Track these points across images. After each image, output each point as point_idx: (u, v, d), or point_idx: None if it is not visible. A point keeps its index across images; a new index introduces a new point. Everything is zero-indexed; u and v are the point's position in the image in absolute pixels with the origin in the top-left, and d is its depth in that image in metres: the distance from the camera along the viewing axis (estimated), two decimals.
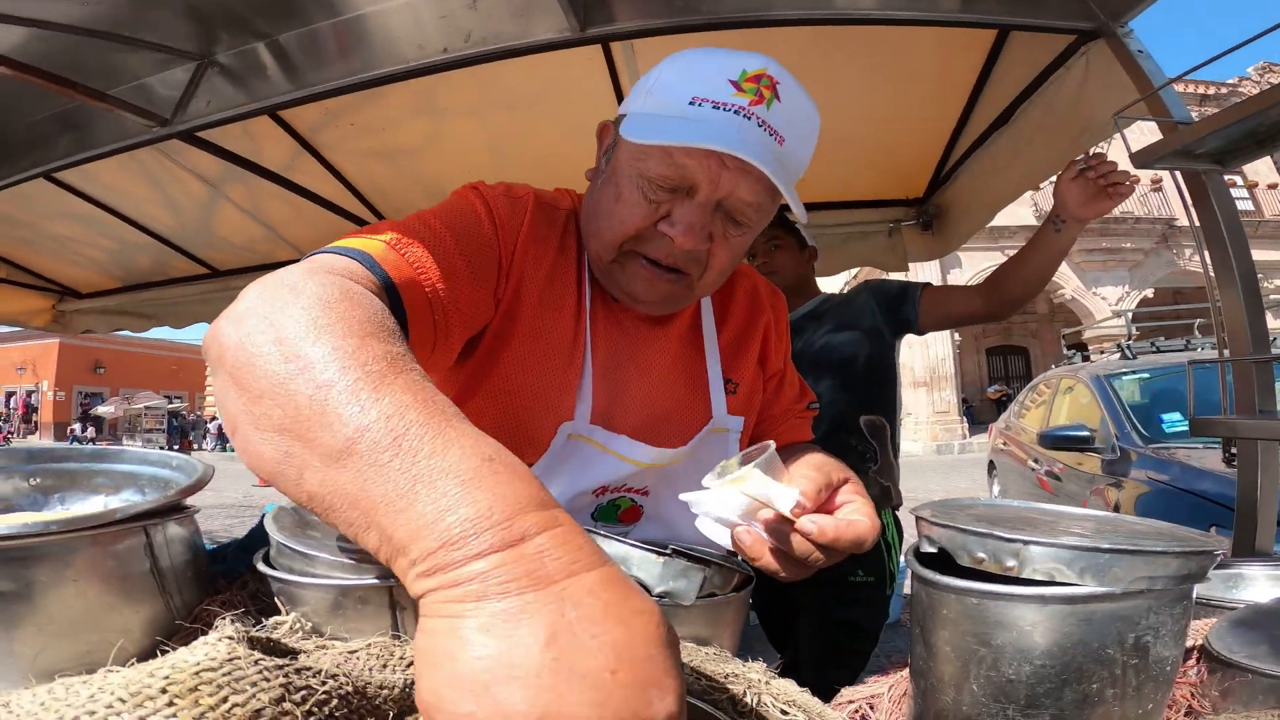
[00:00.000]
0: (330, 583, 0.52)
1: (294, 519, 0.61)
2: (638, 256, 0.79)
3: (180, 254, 2.89)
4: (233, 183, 2.25)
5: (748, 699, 0.55)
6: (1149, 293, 17.51)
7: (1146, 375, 4.21)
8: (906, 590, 3.65)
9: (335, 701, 0.38)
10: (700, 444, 0.93)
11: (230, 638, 0.37)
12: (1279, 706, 0.51)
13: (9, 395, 30.85)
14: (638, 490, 0.93)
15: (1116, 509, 3.25)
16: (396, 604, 0.52)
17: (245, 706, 0.34)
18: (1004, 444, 6.24)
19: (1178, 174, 1.44)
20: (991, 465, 6.83)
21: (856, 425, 1.87)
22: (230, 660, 0.35)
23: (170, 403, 27.79)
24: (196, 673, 0.34)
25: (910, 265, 2.67)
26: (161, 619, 0.52)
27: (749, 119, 0.72)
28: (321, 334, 0.43)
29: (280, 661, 0.37)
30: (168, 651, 0.37)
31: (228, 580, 0.63)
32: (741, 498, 0.61)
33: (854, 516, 0.64)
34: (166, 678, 0.34)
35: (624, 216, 0.77)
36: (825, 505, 0.67)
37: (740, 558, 0.72)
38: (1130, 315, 5.60)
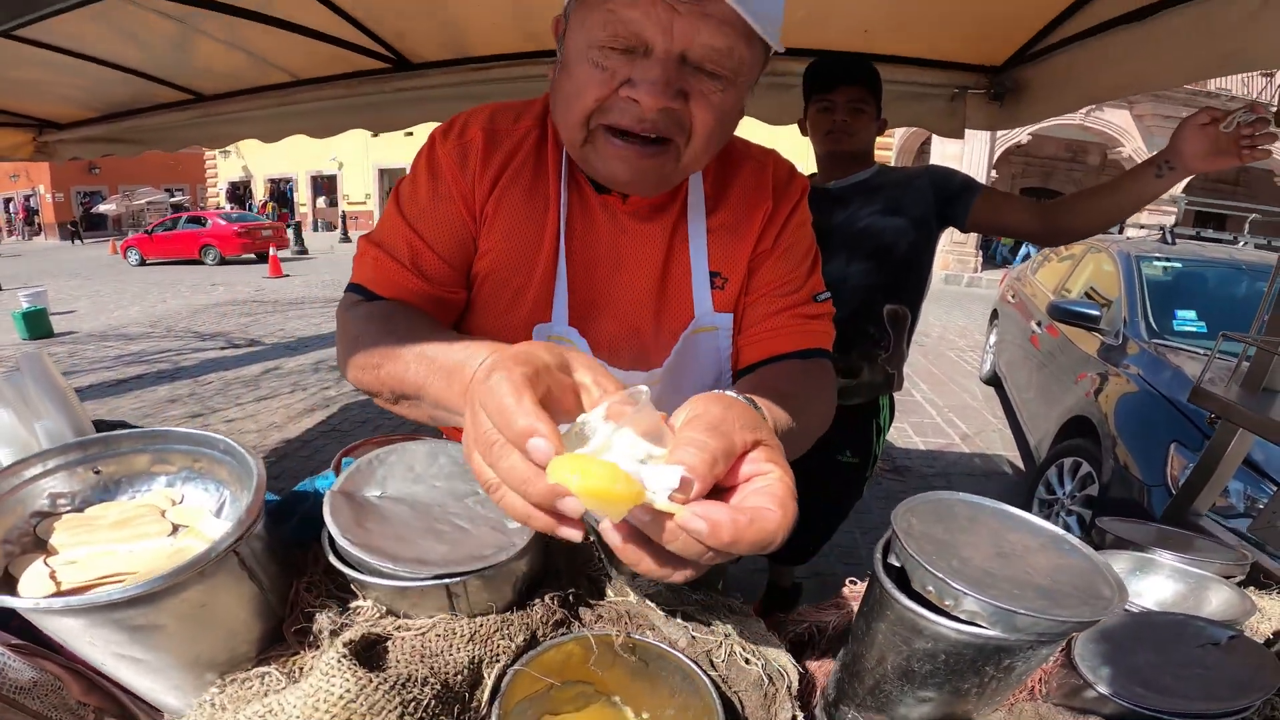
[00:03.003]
0: (397, 584, 0.61)
1: (350, 509, 0.67)
2: (608, 132, 0.75)
3: (160, 84, 2.66)
4: (203, 19, 1.98)
5: (721, 650, 0.67)
6: None
7: (1178, 265, 4.11)
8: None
9: (432, 701, 0.52)
10: (685, 348, 0.92)
11: (344, 655, 0.51)
12: (1097, 712, 0.64)
13: (7, 201, 31.13)
14: None
15: (1097, 395, 3.36)
16: (452, 594, 0.61)
17: None
18: (1012, 296, 6.24)
19: None
20: (995, 314, 6.89)
21: (879, 313, 1.88)
22: (362, 690, 0.49)
23: (172, 196, 27.69)
24: (345, 705, 0.48)
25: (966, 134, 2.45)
26: (265, 612, 0.64)
27: None
28: (369, 348, 0.72)
29: (393, 679, 0.51)
30: (285, 649, 0.59)
31: (301, 549, 0.72)
32: None
33: (761, 504, 0.44)
34: (329, 713, 0.48)
35: (579, 92, 0.74)
36: (726, 479, 0.46)
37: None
38: (1184, 201, 5.30)
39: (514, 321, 0.89)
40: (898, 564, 0.60)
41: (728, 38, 0.69)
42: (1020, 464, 4.76)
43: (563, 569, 0.70)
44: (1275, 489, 2.48)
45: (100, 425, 1.59)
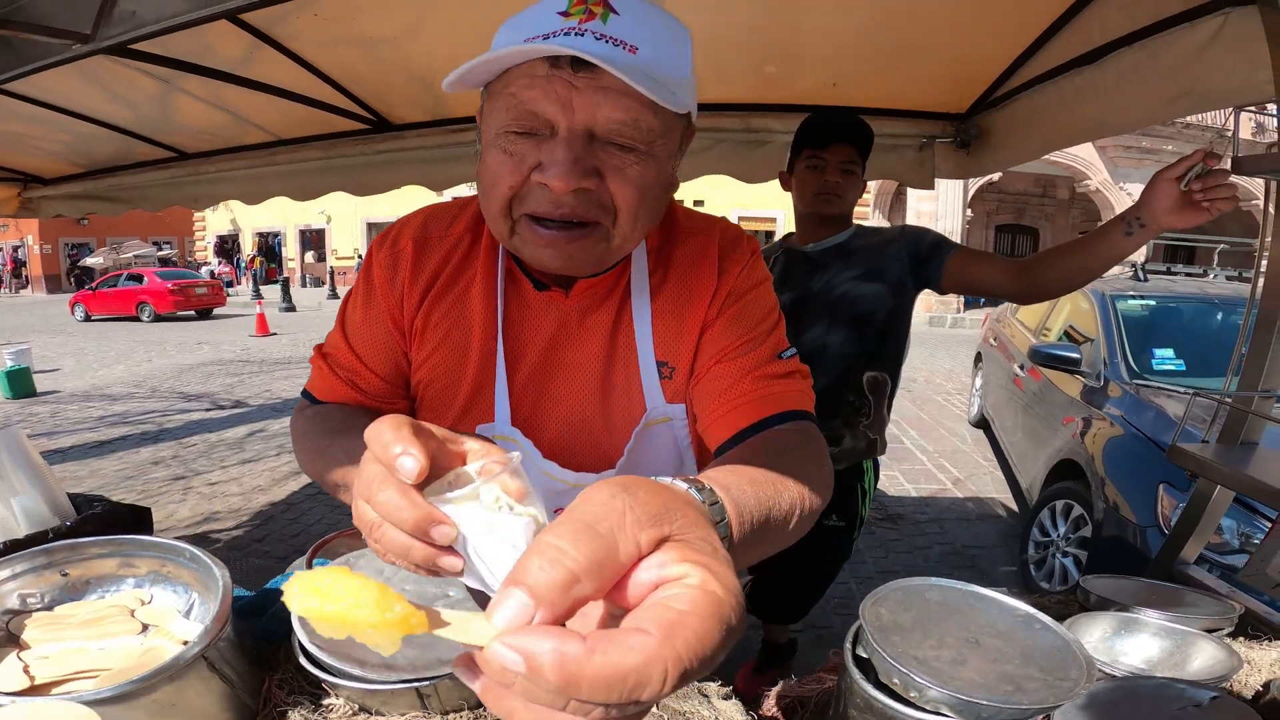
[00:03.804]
0: (371, 687, 0.63)
1: None
2: (530, 220, 0.73)
3: (142, 140, 2.72)
4: (186, 78, 2.04)
5: None
6: None
7: (1152, 302, 4.18)
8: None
9: None
10: (639, 444, 0.87)
11: None
12: None
13: None
14: None
15: (1083, 438, 3.37)
16: (423, 695, 0.62)
17: None
18: (994, 339, 6.32)
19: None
20: (979, 356, 6.95)
21: (859, 381, 1.87)
22: None
23: (160, 249, 27.64)
24: None
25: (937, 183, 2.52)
26: (237, 707, 0.65)
27: (582, 35, 0.65)
28: (311, 445, 0.81)
29: None
30: None
31: (273, 644, 0.74)
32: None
33: (635, 625, 0.30)
34: None
35: (493, 181, 0.73)
36: (617, 595, 0.33)
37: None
38: (1152, 239, 5.42)
39: (455, 423, 0.88)
40: (866, 654, 0.59)
41: (629, 110, 0.67)
42: (1014, 505, 4.74)
43: None
44: (1267, 531, 2.48)
45: (75, 498, 1.58)
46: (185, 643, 0.64)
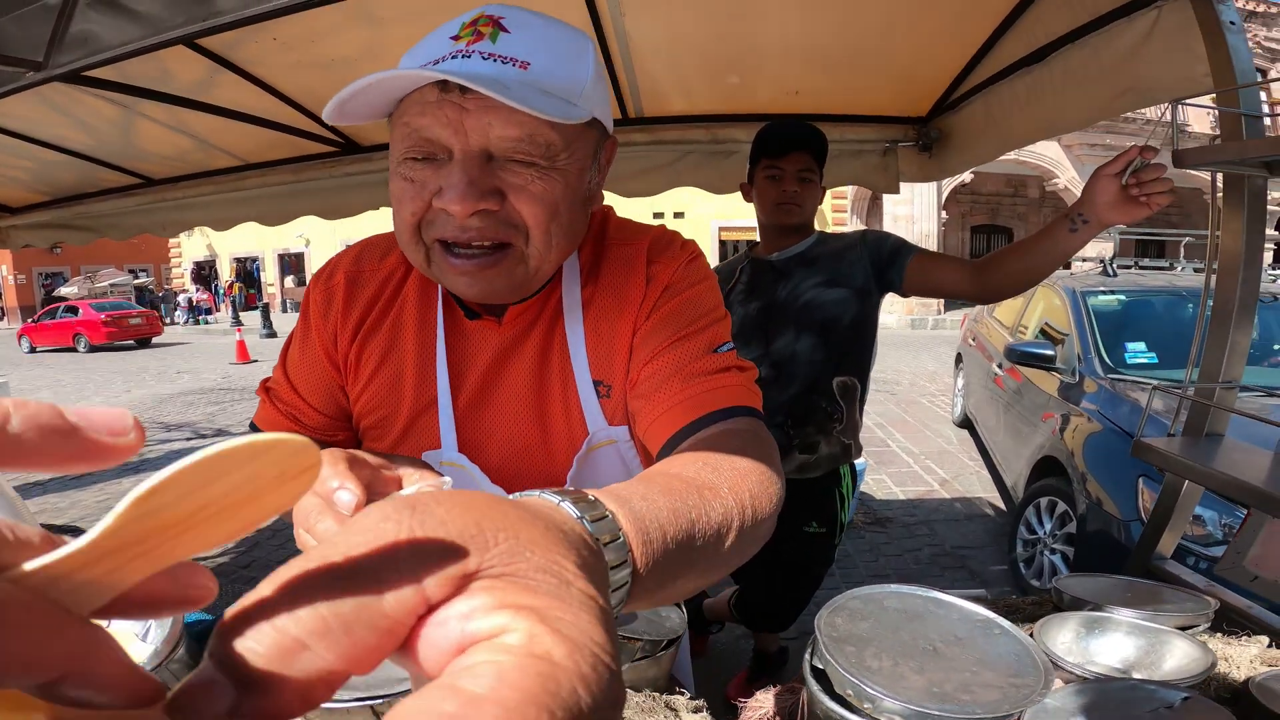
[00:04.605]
0: (326, 705, 0.63)
1: None
2: (442, 249, 0.72)
3: (106, 167, 2.68)
4: (146, 103, 2.03)
5: None
6: None
7: (1123, 297, 4.23)
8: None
9: None
10: (582, 469, 0.85)
11: None
12: None
13: None
14: None
15: (1062, 434, 3.40)
16: (377, 713, 0.62)
17: None
18: (973, 339, 6.37)
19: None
20: (959, 357, 7.01)
21: (829, 386, 1.88)
22: None
23: (136, 277, 27.45)
24: None
25: (902, 186, 2.55)
26: None
27: (469, 56, 0.66)
28: None
29: None
30: None
31: None
32: None
33: None
34: None
35: (397, 209, 0.73)
36: (405, 652, 0.21)
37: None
38: (1118, 230, 5.51)
39: (403, 452, 0.87)
40: (822, 666, 0.58)
41: (523, 125, 0.66)
42: (1001, 504, 4.76)
43: None
44: (1241, 522, 2.50)
45: (49, 529, 1.59)
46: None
